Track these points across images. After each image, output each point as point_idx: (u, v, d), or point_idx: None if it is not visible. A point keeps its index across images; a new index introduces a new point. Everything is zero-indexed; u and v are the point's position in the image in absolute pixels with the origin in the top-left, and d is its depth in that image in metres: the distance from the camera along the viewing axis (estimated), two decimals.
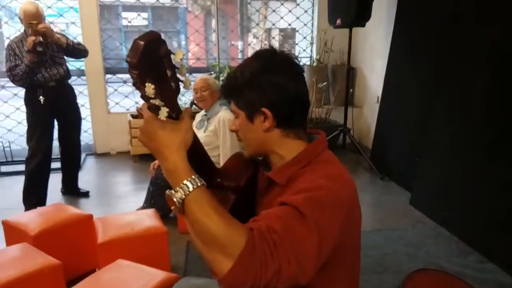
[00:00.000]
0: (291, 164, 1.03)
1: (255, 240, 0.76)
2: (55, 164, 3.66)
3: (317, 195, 0.87)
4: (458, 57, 3.13)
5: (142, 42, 0.75)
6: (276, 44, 7.09)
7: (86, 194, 3.68)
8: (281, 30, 7.00)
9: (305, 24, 5.51)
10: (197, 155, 0.89)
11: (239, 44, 6.39)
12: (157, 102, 0.78)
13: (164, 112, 0.80)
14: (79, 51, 3.37)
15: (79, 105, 3.62)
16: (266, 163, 1.14)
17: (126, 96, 5.03)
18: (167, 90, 0.81)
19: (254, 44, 6.51)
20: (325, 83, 5.03)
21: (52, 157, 3.43)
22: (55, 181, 3.63)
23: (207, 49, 6.79)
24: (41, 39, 3.00)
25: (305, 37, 5.56)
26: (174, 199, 0.79)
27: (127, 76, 5.25)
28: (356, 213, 0.99)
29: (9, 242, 2.33)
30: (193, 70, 5.63)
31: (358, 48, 5.08)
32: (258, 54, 1.07)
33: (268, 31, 7.20)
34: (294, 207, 0.83)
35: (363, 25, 4.02)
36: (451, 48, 3.22)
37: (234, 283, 0.76)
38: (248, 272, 0.74)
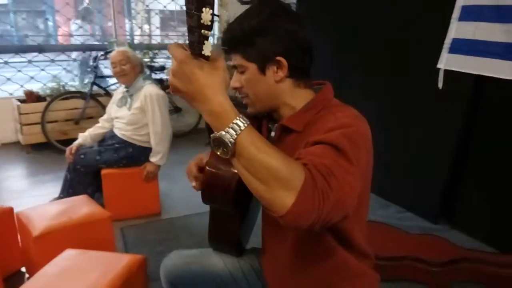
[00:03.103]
0: (305, 110, 1.02)
1: (313, 173, 0.76)
2: None
3: (350, 131, 0.88)
4: (367, 17, 3.17)
5: None
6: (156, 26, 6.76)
7: None
8: (163, 11, 6.73)
9: None
10: None
11: (128, 24, 6.01)
12: (209, 33, 0.71)
13: (209, 46, 0.73)
14: None
15: None
16: (269, 117, 1.12)
17: (9, 79, 4.35)
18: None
19: (133, 25, 6.00)
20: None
21: None
22: None
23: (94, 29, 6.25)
24: None
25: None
26: (226, 140, 0.73)
27: (8, 56, 4.53)
28: (372, 153, 1.01)
29: None
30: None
31: None
32: (262, 2, 1.02)
33: (149, 12, 6.84)
34: (332, 144, 0.84)
35: None
36: (362, 8, 3.23)
37: (298, 216, 0.74)
38: (311, 204, 0.73)
